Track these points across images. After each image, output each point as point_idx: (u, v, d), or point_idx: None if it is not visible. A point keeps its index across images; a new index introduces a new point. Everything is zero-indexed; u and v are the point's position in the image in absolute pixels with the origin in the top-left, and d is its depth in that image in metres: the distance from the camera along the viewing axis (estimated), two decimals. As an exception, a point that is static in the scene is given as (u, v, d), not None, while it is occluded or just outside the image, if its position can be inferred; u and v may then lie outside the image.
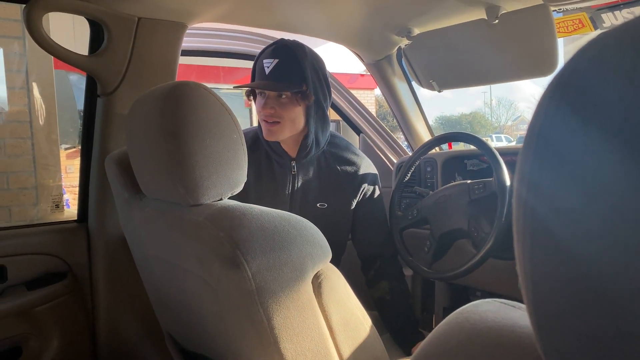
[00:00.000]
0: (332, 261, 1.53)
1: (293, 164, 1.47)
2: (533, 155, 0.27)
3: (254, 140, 1.49)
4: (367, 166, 1.55)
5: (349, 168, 1.52)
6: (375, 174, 1.58)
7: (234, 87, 1.46)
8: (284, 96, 1.36)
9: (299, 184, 1.48)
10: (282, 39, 1.41)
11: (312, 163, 1.50)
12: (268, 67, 1.35)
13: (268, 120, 1.38)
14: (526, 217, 0.28)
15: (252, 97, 1.44)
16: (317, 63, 1.40)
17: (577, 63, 0.26)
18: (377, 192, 1.58)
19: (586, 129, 0.24)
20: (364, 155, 1.58)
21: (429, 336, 0.47)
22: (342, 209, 1.52)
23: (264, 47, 1.43)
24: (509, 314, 0.43)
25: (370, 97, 15.49)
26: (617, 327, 0.24)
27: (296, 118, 1.39)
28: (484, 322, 0.42)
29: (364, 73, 13.93)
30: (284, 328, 0.78)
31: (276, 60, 1.35)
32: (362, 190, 1.53)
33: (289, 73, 1.35)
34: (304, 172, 1.49)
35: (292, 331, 0.79)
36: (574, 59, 0.26)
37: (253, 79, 1.42)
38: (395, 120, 2.25)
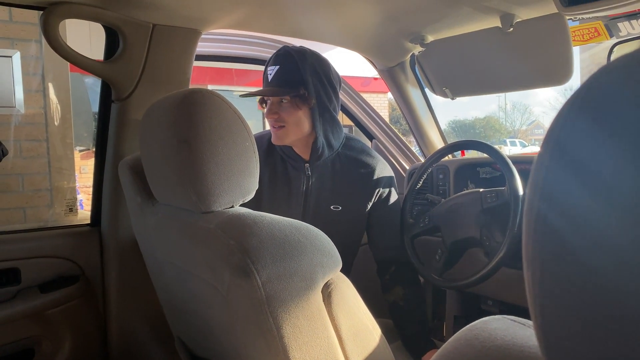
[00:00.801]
0: (344, 265, 1.53)
1: (307, 166, 1.49)
2: (549, 164, 0.27)
3: (270, 143, 1.51)
4: (382, 168, 1.55)
5: (364, 170, 1.52)
6: (391, 177, 1.58)
7: (240, 95, 1.49)
8: (284, 101, 1.40)
9: (313, 187, 1.49)
10: (285, 46, 1.45)
11: (326, 165, 1.51)
12: (271, 74, 1.40)
13: (274, 126, 1.42)
14: (537, 226, 0.28)
15: (264, 104, 1.47)
16: (319, 66, 1.42)
17: (601, 77, 0.26)
18: (393, 195, 1.58)
19: (606, 142, 0.24)
20: (380, 157, 1.58)
21: (438, 353, 0.46)
22: (356, 212, 1.52)
23: (273, 51, 1.47)
24: (518, 332, 0.42)
25: (384, 101, 15.46)
26: (632, 351, 0.24)
27: (300, 121, 1.41)
28: (492, 341, 0.41)
29: (377, 76, 13.84)
30: (293, 337, 0.78)
31: (277, 67, 1.39)
32: (377, 193, 1.54)
33: (288, 78, 1.38)
34: (317, 174, 1.50)
35: (302, 340, 0.79)
36: (598, 73, 0.26)
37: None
38: (407, 124, 2.25)
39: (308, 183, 1.49)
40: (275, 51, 1.45)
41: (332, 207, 1.50)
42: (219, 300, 0.86)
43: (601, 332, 0.25)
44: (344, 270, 1.55)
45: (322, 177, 1.50)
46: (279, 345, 0.78)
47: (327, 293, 0.84)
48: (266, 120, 1.46)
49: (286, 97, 1.39)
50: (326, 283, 0.85)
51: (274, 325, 0.77)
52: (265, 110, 1.44)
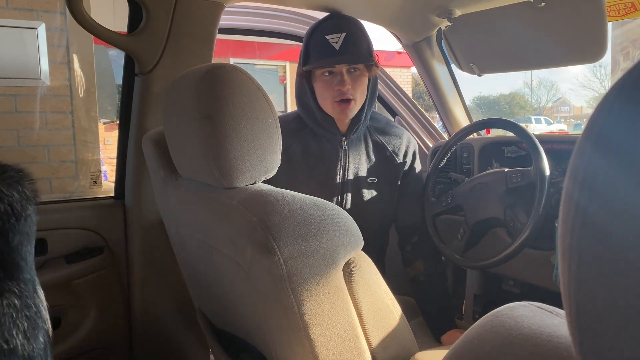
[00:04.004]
0: (380, 233, 1.54)
1: (344, 140, 1.47)
2: (591, 153, 0.26)
3: (298, 120, 1.48)
4: (408, 138, 1.57)
5: (394, 141, 1.53)
6: (415, 145, 1.59)
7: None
8: (356, 70, 1.36)
9: (350, 160, 1.48)
10: (335, 12, 1.41)
11: (359, 138, 1.50)
12: (337, 42, 1.33)
13: (343, 98, 1.35)
14: (577, 218, 0.26)
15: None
16: None
17: None
18: (418, 163, 1.59)
19: None
20: (403, 127, 1.60)
21: (461, 338, 0.46)
22: (391, 182, 1.53)
23: (300, 25, 1.42)
24: (546, 321, 0.41)
25: (407, 75, 15.27)
26: None
27: (364, 92, 1.40)
28: (519, 329, 0.40)
29: (401, 50, 13.65)
30: (313, 314, 0.79)
31: (343, 34, 1.33)
32: (407, 162, 1.55)
33: (359, 45, 1.35)
34: (353, 147, 1.49)
35: (322, 318, 0.79)
36: None
37: (309, 57, 1.39)
38: (431, 100, 2.21)
39: (346, 158, 1.47)
40: (301, 24, 1.42)
41: (369, 179, 1.50)
42: (241, 275, 0.87)
43: None
44: (383, 241, 1.57)
45: (358, 151, 1.49)
46: (300, 322, 0.78)
47: (348, 271, 0.84)
48: (323, 95, 1.38)
49: (359, 66, 1.35)
50: (347, 261, 0.84)
51: (295, 302, 0.78)
52: (330, 83, 1.36)
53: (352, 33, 1.34)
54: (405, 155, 1.54)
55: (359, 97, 1.39)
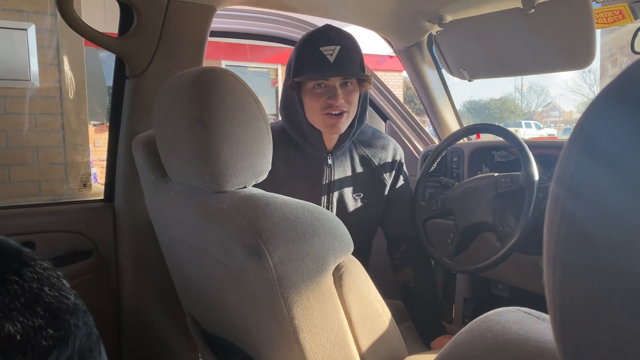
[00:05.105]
0: (365, 246, 1.52)
1: (329, 157, 1.44)
2: (578, 157, 0.26)
3: (282, 135, 1.44)
4: (394, 148, 1.55)
5: (380, 153, 1.51)
6: (402, 153, 1.58)
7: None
8: (350, 84, 1.34)
9: (335, 176, 1.45)
10: (327, 25, 1.37)
11: (345, 153, 1.48)
12: (331, 55, 1.30)
13: (335, 112, 1.33)
14: (562, 223, 0.27)
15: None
16: None
17: (637, 70, 0.25)
18: (404, 173, 1.58)
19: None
20: (389, 137, 1.58)
21: (449, 343, 0.46)
22: (377, 196, 1.51)
23: (291, 28, 1.41)
24: (533, 325, 0.42)
25: (398, 79, 15.31)
26: None
27: (356, 106, 1.38)
28: (506, 334, 0.41)
29: (392, 54, 13.70)
30: (303, 319, 0.79)
31: (338, 47, 1.30)
32: (394, 173, 1.54)
33: (353, 59, 1.33)
34: (339, 163, 1.46)
35: (312, 322, 0.80)
36: (634, 66, 0.25)
37: (302, 68, 1.34)
38: (422, 104, 2.23)
39: (331, 174, 1.45)
40: (292, 28, 1.41)
41: (354, 195, 1.48)
42: (230, 279, 0.87)
43: (627, 338, 0.24)
44: (366, 251, 1.55)
45: (344, 166, 1.47)
46: (289, 327, 0.78)
47: (338, 276, 0.84)
48: (314, 108, 1.34)
49: (353, 80, 1.34)
50: (337, 266, 0.85)
51: (284, 307, 0.78)
52: (322, 95, 1.32)
53: (347, 47, 1.32)
54: (391, 167, 1.53)
55: (351, 111, 1.36)
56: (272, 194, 0.87)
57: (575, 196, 0.26)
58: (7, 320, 0.40)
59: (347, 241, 0.86)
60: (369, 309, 0.88)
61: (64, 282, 0.49)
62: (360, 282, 0.87)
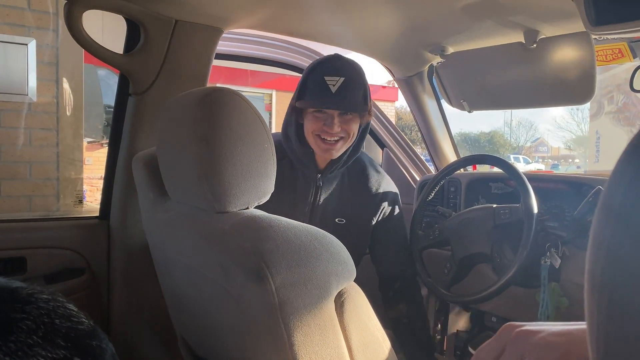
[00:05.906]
0: None
1: (319, 176, 1.45)
2: (629, 182, 0.25)
3: (279, 149, 1.46)
4: (387, 184, 1.54)
5: (370, 185, 1.51)
6: (396, 193, 1.57)
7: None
8: (350, 115, 1.36)
9: (321, 198, 1.46)
10: (337, 55, 1.39)
11: (336, 177, 1.48)
12: (334, 85, 1.32)
13: (330, 138, 1.36)
14: (610, 250, 0.26)
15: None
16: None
17: None
18: (397, 211, 1.56)
19: None
20: (384, 173, 1.58)
21: None
22: (360, 226, 1.50)
23: (295, 55, 1.42)
24: None
25: (391, 109, 15.46)
26: None
27: (354, 135, 1.39)
28: None
29: (386, 85, 13.91)
30: (303, 345, 0.77)
31: (342, 79, 1.32)
32: (382, 209, 1.52)
33: (356, 92, 1.34)
34: (327, 185, 1.47)
35: (312, 349, 0.78)
36: None
37: (305, 94, 1.38)
38: (419, 134, 2.24)
39: (317, 194, 1.46)
40: (296, 54, 1.42)
41: (336, 219, 1.48)
42: (229, 302, 0.85)
43: None
44: None
45: (331, 189, 1.48)
46: (289, 353, 0.76)
47: (339, 302, 0.82)
48: (309, 130, 1.38)
49: (354, 112, 1.36)
50: (339, 292, 0.83)
51: (285, 333, 0.76)
52: (319, 121, 1.35)
53: (351, 79, 1.33)
54: (381, 201, 1.51)
55: (350, 139, 1.38)
56: (275, 216, 0.86)
57: (625, 224, 0.25)
58: (29, 357, 0.38)
59: (350, 267, 0.85)
60: (370, 338, 0.86)
61: (70, 306, 0.47)
62: (362, 310, 0.85)
